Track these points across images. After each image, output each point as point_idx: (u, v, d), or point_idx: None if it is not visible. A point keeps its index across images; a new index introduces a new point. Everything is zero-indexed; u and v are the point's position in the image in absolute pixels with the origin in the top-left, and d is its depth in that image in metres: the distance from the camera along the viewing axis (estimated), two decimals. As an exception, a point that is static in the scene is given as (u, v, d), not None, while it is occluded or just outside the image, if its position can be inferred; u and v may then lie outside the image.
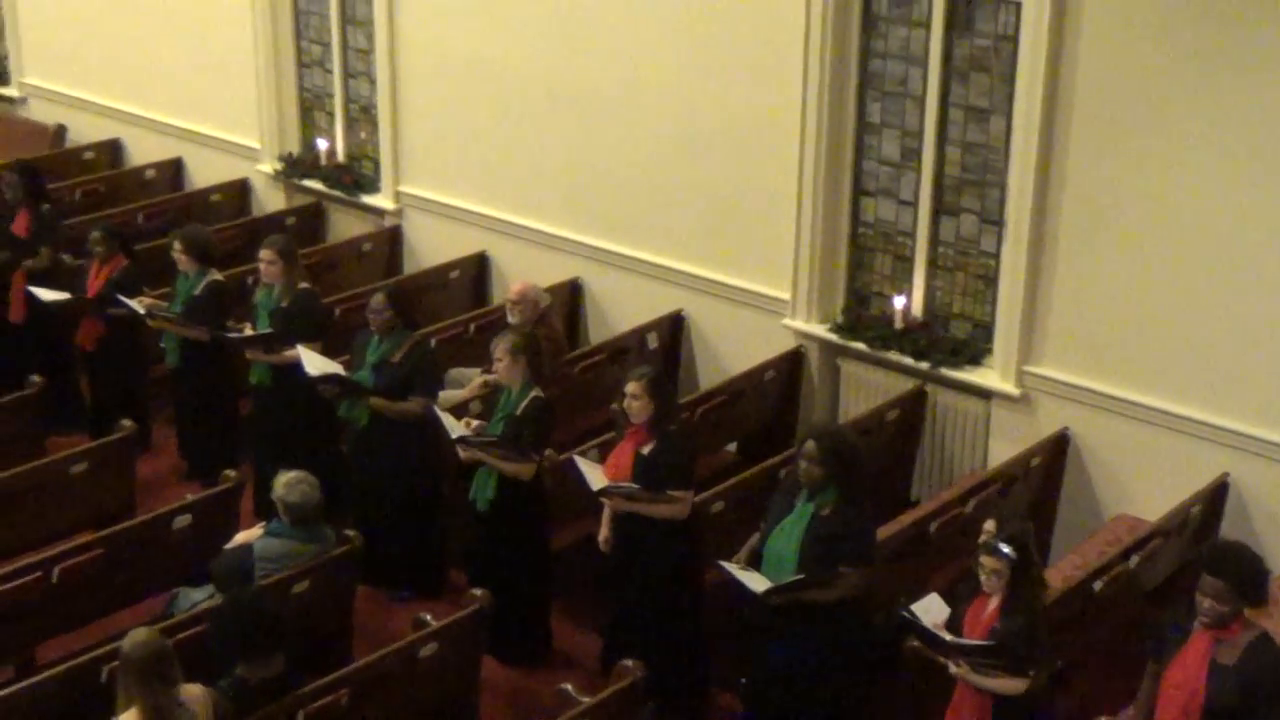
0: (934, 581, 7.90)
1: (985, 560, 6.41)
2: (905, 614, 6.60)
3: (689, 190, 10.13)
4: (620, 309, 10.71)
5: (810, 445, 6.99)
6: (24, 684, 6.73)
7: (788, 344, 9.90)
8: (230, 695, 6.21)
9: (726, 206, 10.00)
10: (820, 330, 9.73)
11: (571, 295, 10.86)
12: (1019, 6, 8.51)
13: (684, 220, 10.23)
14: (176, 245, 9.80)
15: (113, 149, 13.77)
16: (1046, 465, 8.82)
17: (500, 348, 8.17)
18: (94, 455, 8.94)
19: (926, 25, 8.99)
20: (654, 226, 10.39)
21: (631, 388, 7.64)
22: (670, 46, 9.96)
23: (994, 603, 6.44)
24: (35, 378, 9.47)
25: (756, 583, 6.99)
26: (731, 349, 10.25)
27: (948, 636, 6.49)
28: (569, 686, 7.05)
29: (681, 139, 10.07)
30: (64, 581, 7.73)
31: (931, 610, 6.66)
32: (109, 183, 13.07)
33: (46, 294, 10.07)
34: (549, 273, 10.72)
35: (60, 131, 14.14)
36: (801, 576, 6.87)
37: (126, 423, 9.05)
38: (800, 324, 9.80)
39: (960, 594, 6.70)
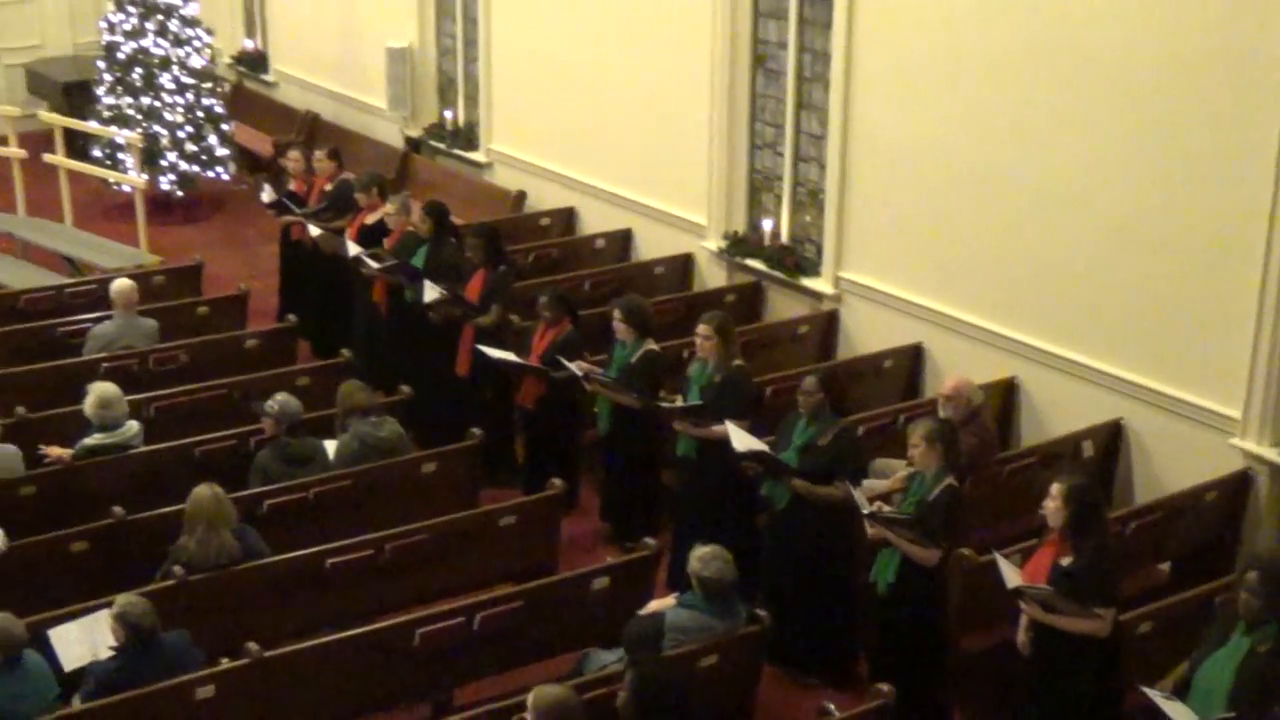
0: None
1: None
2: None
3: (1133, 292, 9.73)
4: (1056, 412, 10.36)
5: (1252, 576, 6.59)
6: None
7: (1234, 465, 9.34)
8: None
9: (1173, 311, 9.55)
10: (1274, 455, 9.14)
11: (1006, 394, 10.58)
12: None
13: (1127, 323, 9.82)
14: (617, 314, 10.04)
15: (567, 217, 14.29)
16: None
17: (917, 433, 8.08)
18: (523, 511, 9.23)
19: None
20: (1095, 328, 10.02)
21: (1054, 490, 7.41)
22: (1118, 142, 9.62)
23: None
24: (475, 431, 9.85)
25: (1181, 715, 6.60)
26: (1171, 464, 9.75)
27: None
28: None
29: (1127, 238, 9.69)
30: (484, 629, 7.97)
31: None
32: (561, 249, 13.55)
33: (493, 352, 10.48)
34: (984, 369, 10.48)
35: (520, 197, 14.79)
36: (1232, 716, 6.44)
37: (556, 482, 9.31)
38: (1251, 445, 9.23)
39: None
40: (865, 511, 8.03)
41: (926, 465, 8.08)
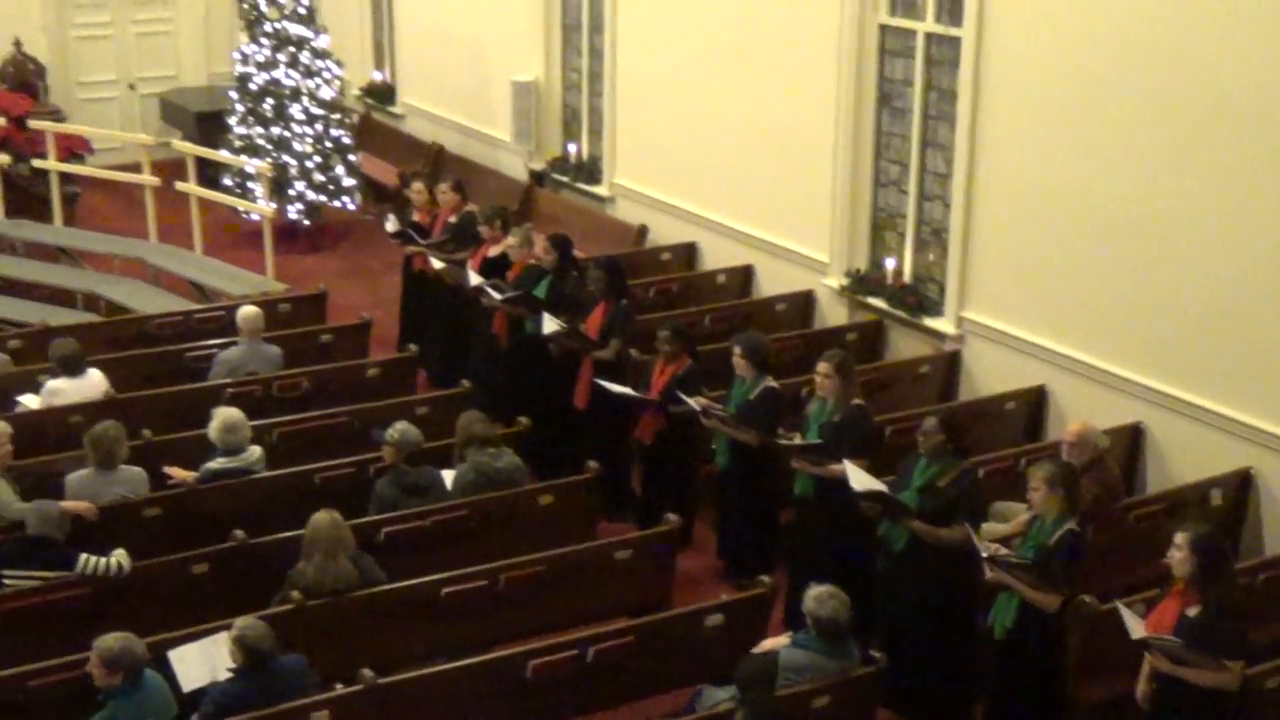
0: None
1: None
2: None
3: (1265, 338, 9.51)
4: (1183, 459, 10.14)
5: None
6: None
7: (1369, 516, 9.10)
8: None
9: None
10: None
11: (1132, 439, 10.38)
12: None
13: (1259, 370, 9.59)
14: (737, 350, 10.00)
15: (689, 252, 14.28)
16: None
17: (1038, 477, 7.95)
18: (639, 545, 9.20)
19: None
20: (1226, 374, 9.80)
21: (1179, 539, 7.26)
22: (1253, 183, 9.42)
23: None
24: (592, 464, 9.85)
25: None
26: (1304, 515, 9.53)
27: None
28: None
29: (1260, 282, 9.47)
30: (597, 662, 7.95)
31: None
32: (682, 284, 13.54)
33: (612, 386, 10.48)
34: (1110, 414, 10.30)
35: (643, 231, 14.82)
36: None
37: (672, 517, 9.28)
38: (1385, 497, 9.00)
39: None
40: (984, 555, 7.92)
41: (1047, 509, 7.95)
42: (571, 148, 16.13)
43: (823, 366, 9.36)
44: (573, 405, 11.16)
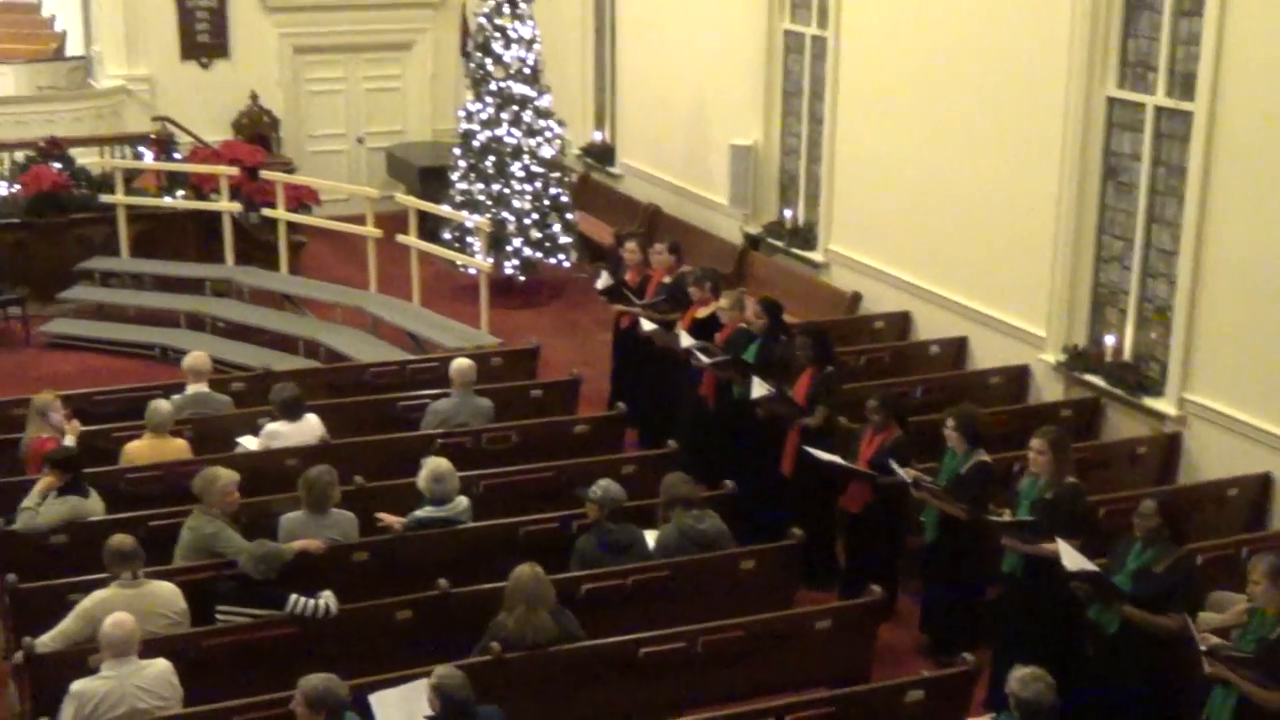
0: None
1: None
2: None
3: None
4: None
5: None
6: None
7: None
8: None
9: None
10: None
11: (1363, 532, 9.96)
12: None
13: None
14: (949, 423, 9.84)
15: (902, 321, 14.13)
16: None
17: (1260, 569, 7.64)
18: (840, 615, 9.07)
19: None
20: None
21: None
22: None
23: None
24: (796, 530, 9.75)
25: None
26: None
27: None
28: None
29: None
30: (793, 732, 7.84)
31: None
32: (894, 353, 13.39)
33: (820, 453, 10.38)
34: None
35: (855, 298, 14.71)
36: None
37: (875, 589, 9.13)
38: None
39: None
40: (1203, 647, 7.61)
41: (1268, 603, 7.62)
42: (787, 213, 16.11)
43: (1036, 442, 9.15)
44: (778, 471, 11.09)
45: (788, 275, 15.56)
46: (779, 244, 16.06)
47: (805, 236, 15.72)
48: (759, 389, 11.01)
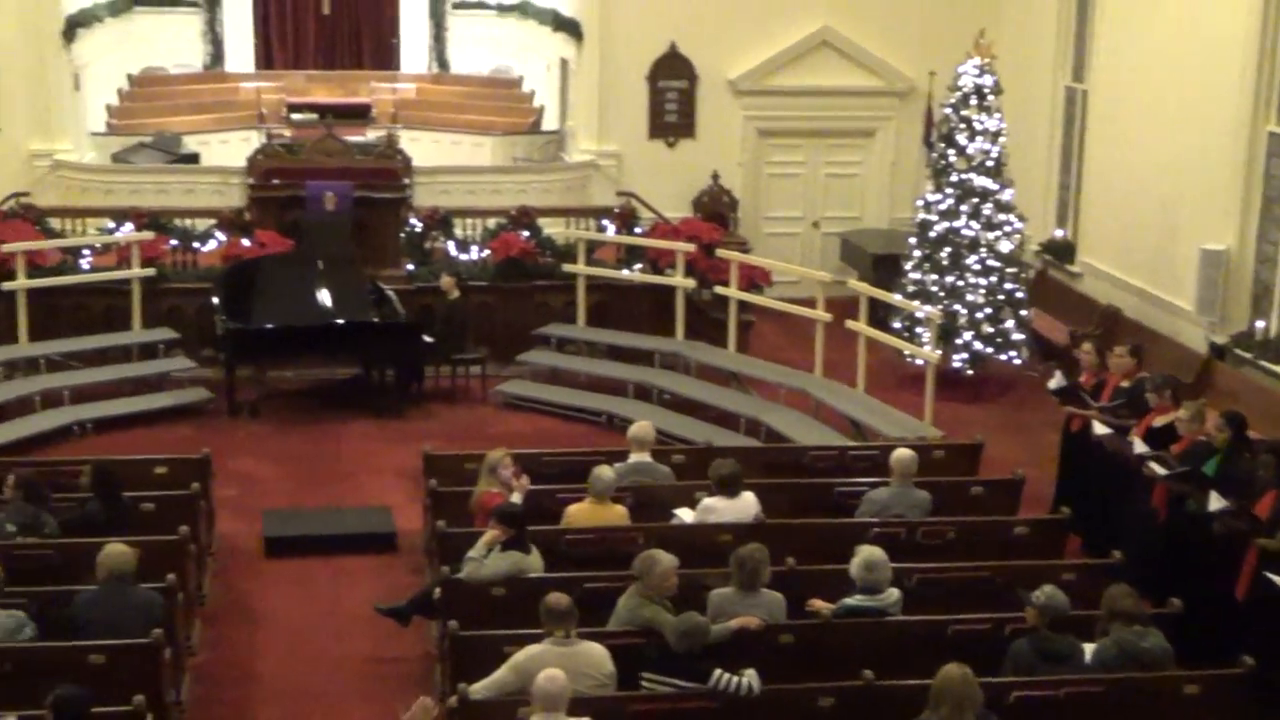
0: None
1: None
2: None
3: None
4: None
5: None
6: None
7: None
8: None
9: None
10: None
11: None
12: None
13: None
14: None
15: None
16: None
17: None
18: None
19: None
20: None
21: None
22: None
23: None
24: (1247, 659, 9.13)
25: None
26: None
27: None
28: None
29: None
30: None
31: None
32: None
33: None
34: None
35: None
36: None
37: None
38: None
39: None
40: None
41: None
42: (1259, 324, 15.26)
43: None
44: (1232, 593, 10.44)
45: (1254, 389, 14.70)
46: (1247, 356, 15.20)
47: (1277, 350, 14.84)
48: (1217, 504, 10.44)
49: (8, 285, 16.08)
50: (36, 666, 8.78)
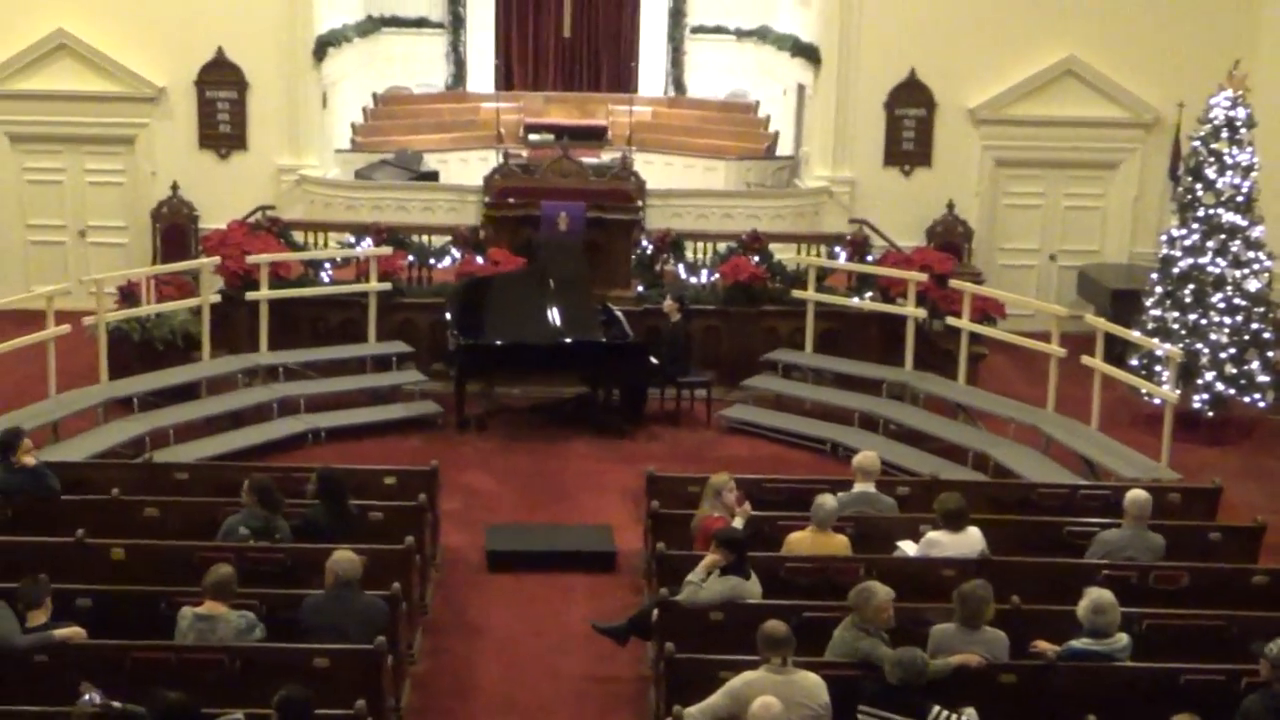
0: None
1: None
2: None
3: None
4: None
5: None
6: None
7: None
8: None
9: None
10: None
11: None
12: None
13: None
14: None
15: None
16: None
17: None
18: None
19: None
20: None
21: None
22: None
23: None
24: None
25: None
26: None
27: None
28: None
29: None
30: None
31: None
32: None
33: None
34: None
35: None
36: None
37: None
38: None
39: None
40: None
41: None
42: None
43: None
44: None
45: None
46: None
47: None
48: None
49: (251, 295, 16.59)
50: (264, 666, 9.02)
